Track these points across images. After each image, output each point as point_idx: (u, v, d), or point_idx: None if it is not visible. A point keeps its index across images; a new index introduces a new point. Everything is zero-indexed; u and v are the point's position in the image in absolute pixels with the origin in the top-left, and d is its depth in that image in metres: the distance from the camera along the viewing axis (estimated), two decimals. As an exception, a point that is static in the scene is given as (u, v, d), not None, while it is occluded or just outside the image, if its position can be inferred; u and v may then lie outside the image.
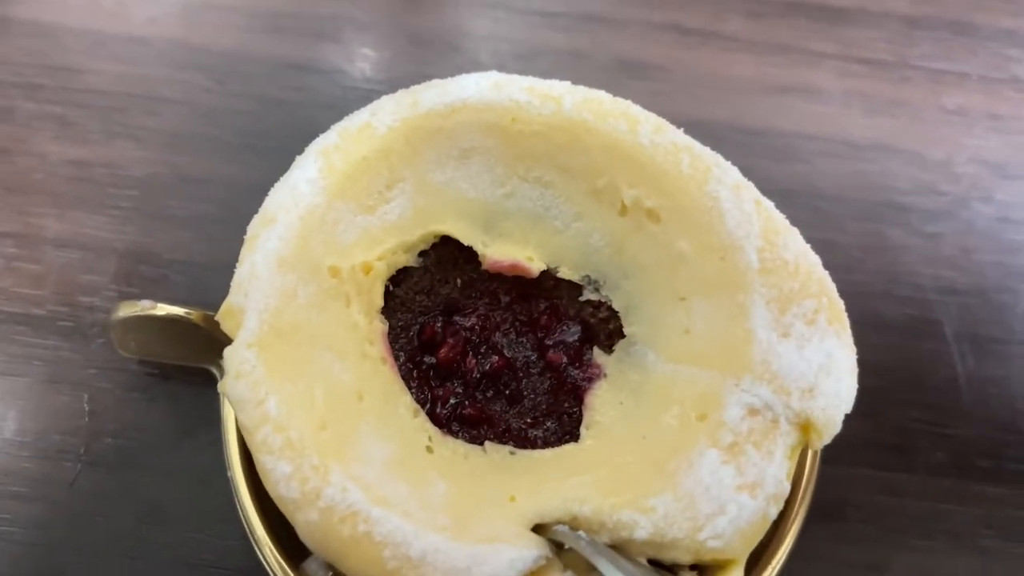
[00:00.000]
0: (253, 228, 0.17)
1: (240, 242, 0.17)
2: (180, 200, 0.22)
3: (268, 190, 0.17)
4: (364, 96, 0.21)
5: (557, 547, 0.15)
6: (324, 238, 0.17)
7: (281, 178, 0.18)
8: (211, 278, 0.20)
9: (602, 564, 0.14)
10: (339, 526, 0.15)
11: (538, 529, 0.15)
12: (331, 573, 0.18)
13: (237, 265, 0.17)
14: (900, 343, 0.21)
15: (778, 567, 0.17)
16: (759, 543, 0.16)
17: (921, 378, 0.21)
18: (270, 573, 0.18)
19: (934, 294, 0.22)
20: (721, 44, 0.25)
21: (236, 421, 0.18)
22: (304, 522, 0.15)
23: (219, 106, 0.23)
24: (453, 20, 0.25)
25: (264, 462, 0.15)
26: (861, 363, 0.16)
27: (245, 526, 0.18)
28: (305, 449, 0.15)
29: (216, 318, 0.16)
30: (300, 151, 0.18)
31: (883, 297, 0.20)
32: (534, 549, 0.15)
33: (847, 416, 0.17)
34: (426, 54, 0.22)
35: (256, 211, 0.17)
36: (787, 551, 0.17)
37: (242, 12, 0.24)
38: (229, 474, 0.18)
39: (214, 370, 0.19)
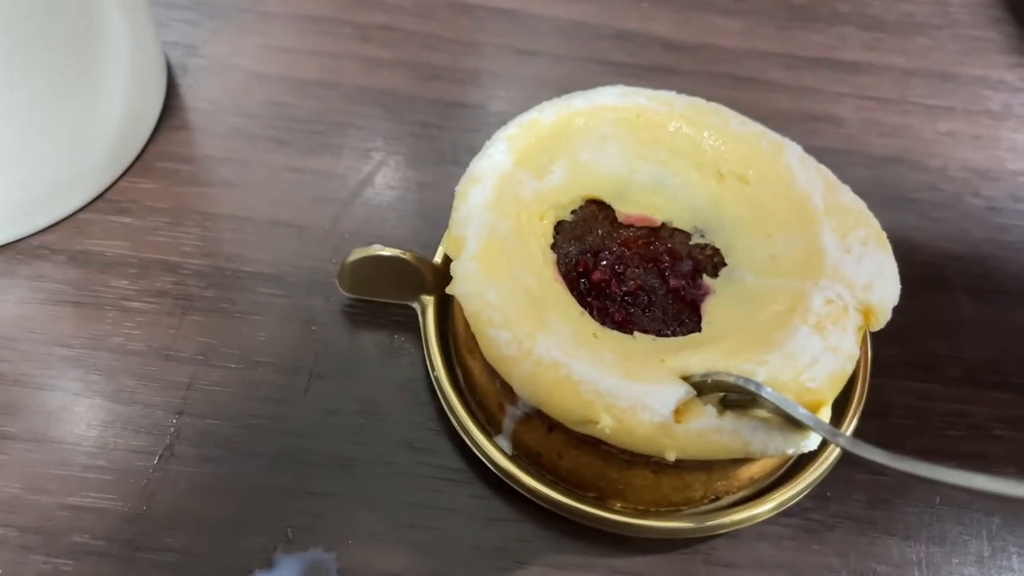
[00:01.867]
0: (462, 186, 0.24)
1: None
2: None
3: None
4: (501, 121, 0.28)
5: (698, 390, 0.21)
6: (512, 193, 0.24)
7: (478, 154, 0.25)
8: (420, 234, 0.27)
9: (746, 384, 0.20)
10: (546, 372, 0.21)
11: (684, 379, 0.21)
12: (512, 446, 0.24)
13: (453, 211, 0.23)
14: (919, 294, 0.28)
15: (855, 417, 0.24)
16: (840, 394, 0.22)
17: (938, 317, 0.28)
18: (468, 443, 0.24)
19: (942, 259, 0.29)
20: (766, 87, 0.32)
21: (438, 326, 0.25)
22: (520, 373, 0.21)
23: (396, 133, 0.30)
24: (559, 71, 0.33)
25: (488, 333, 0.21)
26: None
27: (448, 411, 0.24)
28: (519, 322, 0.21)
29: (442, 245, 0.23)
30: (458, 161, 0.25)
31: (903, 262, 0.26)
32: (683, 388, 0.21)
33: (889, 335, 0.23)
34: (541, 93, 0.29)
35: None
36: (860, 405, 0.24)
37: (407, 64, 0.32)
38: (433, 374, 0.24)
39: (415, 305, 0.26)
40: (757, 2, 0.35)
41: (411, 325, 0.26)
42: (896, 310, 0.23)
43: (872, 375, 0.25)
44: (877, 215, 0.24)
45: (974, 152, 0.31)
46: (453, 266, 0.23)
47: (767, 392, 0.20)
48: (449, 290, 0.22)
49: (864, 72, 0.33)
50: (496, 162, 0.24)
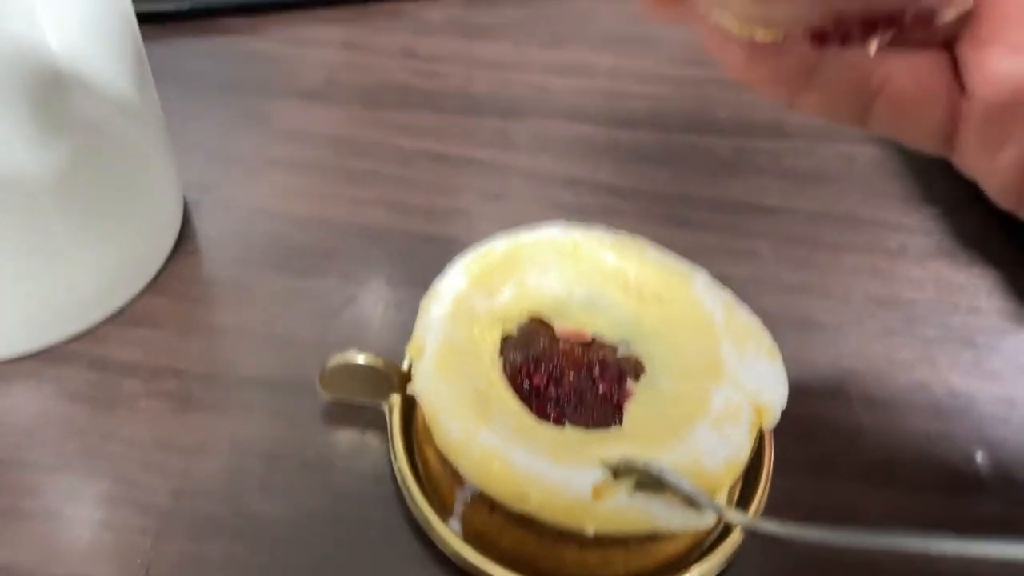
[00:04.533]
0: (425, 302, 0.29)
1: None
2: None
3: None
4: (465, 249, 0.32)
5: (614, 474, 0.25)
6: (467, 309, 0.29)
7: (437, 278, 0.30)
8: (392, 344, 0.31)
9: (652, 468, 0.24)
10: (488, 458, 0.25)
11: (604, 465, 0.25)
12: (461, 528, 0.27)
13: (416, 323, 0.28)
14: (820, 402, 0.32)
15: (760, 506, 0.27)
16: (746, 488, 0.26)
17: (836, 422, 0.32)
18: (423, 526, 0.27)
19: (842, 373, 0.33)
20: (695, 226, 0.38)
21: (403, 422, 0.29)
22: (466, 459, 0.25)
23: (376, 259, 0.36)
24: (518, 210, 0.38)
25: (440, 424, 0.26)
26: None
27: (407, 497, 0.28)
28: (466, 415, 0.26)
29: (407, 349, 0.28)
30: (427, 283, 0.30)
31: (808, 375, 0.30)
32: (601, 471, 0.25)
33: (792, 437, 0.28)
34: (501, 229, 0.34)
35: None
36: (763, 496, 0.28)
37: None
38: (396, 464, 0.28)
39: (384, 405, 0.30)
40: (689, 155, 0.41)
41: (380, 423, 0.30)
42: (799, 415, 0.27)
43: (775, 472, 0.29)
44: (787, 335, 0.29)
45: (873, 283, 0.36)
46: (413, 368, 0.27)
47: (669, 474, 0.24)
48: (409, 389, 0.27)
49: (780, 215, 0.39)
50: (454, 283, 0.29)
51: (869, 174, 0.41)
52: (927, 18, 0.17)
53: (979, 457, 0.31)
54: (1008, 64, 0.21)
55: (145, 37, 0.31)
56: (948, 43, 0.22)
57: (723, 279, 0.31)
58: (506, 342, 0.30)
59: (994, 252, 0.38)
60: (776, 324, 0.33)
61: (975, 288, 0.37)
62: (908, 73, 0.22)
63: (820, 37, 0.17)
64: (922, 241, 0.38)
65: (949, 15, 0.18)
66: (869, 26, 0.17)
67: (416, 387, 0.27)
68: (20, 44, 0.25)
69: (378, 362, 0.30)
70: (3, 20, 0.24)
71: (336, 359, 0.30)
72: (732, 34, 0.19)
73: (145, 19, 0.32)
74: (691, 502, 0.25)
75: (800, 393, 0.29)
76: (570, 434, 0.27)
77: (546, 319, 0.30)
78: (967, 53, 0.21)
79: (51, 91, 0.27)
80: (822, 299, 0.36)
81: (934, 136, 0.23)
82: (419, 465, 0.29)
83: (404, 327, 0.33)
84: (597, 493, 0.25)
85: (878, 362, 0.34)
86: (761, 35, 0.19)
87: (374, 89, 0.43)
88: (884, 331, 0.35)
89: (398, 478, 0.28)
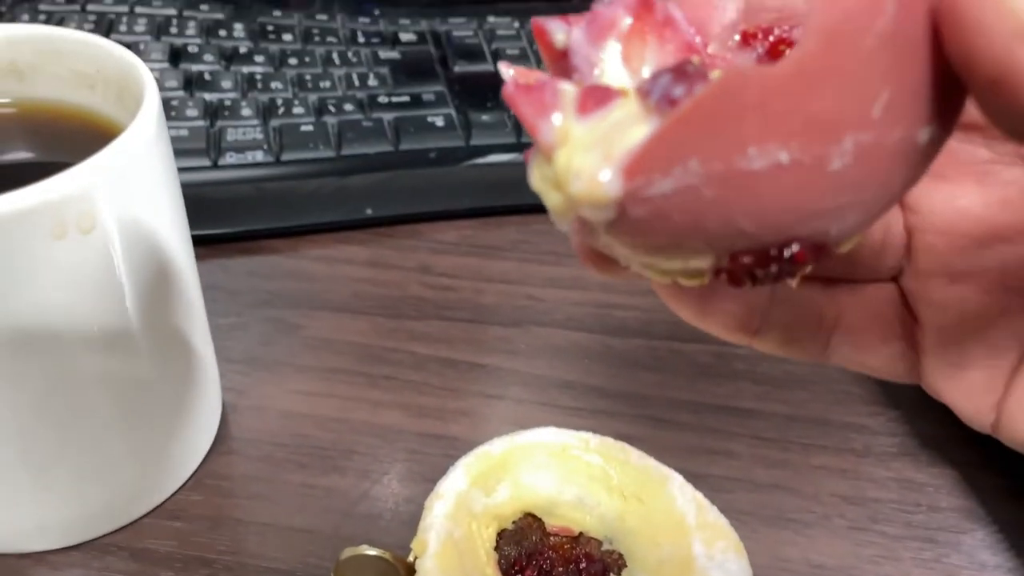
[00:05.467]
0: (429, 501, 0.33)
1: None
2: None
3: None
4: (470, 448, 0.37)
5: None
6: (466, 507, 0.33)
7: (441, 479, 0.34)
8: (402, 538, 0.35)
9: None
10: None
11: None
12: None
13: (421, 520, 0.32)
14: None
15: None
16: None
17: None
18: None
19: (810, 568, 0.36)
20: (677, 427, 0.42)
21: None
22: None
23: (390, 458, 0.40)
24: (517, 412, 0.42)
25: (440, 614, 0.29)
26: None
27: None
28: (463, 605, 0.29)
29: (412, 545, 0.31)
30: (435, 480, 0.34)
31: (779, 568, 0.34)
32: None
33: None
34: (502, 428, 0.38)
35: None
36: None
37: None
38: (401, 650, 0.31)
39: (391, 594, 0.33)
40: (673, 361, 0.46)
41: (388, 612, 0.33)
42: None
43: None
44: (760, 531, 0.32)
45: (841, 483, 0.40)
46: (417, 563, 0.31)
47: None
48: (411, 578, 0.30)
49: (755, 417, 0.43)
50: (455, 482, 0.33)
51: (837, 379, 0.45)
52: (818, 249, 0.16)
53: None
54: (950, 293, 0.21)
55: (197, 257, 0.37)
56: (895, 275, 0.22)
57: (702, 477, 0.35)
58: (501, 537, 0.33)
59: (953, 453, 0.42)
60: (750, 520, 0.36)
61: (936, 487, 0.40)
62: (860, 308, 0.22)
63: (730, 277, 0.17)
64: (886, 442, 0.42)
65: (844, 246, 0.17)
66: (761, 263, 0.16)
67: (421, 580, 0.30)
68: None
69: (387, 555, 0.33)
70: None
71: (348, 552, 0.33)
72: (658, 282, 0.20)
73: (198, 241, 0.38)
74: None
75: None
76: (557, 624, 0.30)
77: (538, 515, 0.34)
78: (911, 285, 0.22)
79: (125, 318, 0.32)
80: (793, 497, 0.39)
81: (896, 366, 0.23)
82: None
83: (413, 521, 0.36)
84: None
85: (846, 558, 0.37)
86: (684, 281, 0.18)
87: (394, 301, 0.49)
88: (851, 528, 0.38)
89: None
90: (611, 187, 0.14)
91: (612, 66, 0.17)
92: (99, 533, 0.36)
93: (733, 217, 0.15)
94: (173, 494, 0.38)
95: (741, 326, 0.23)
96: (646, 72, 0.17)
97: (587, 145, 0.15)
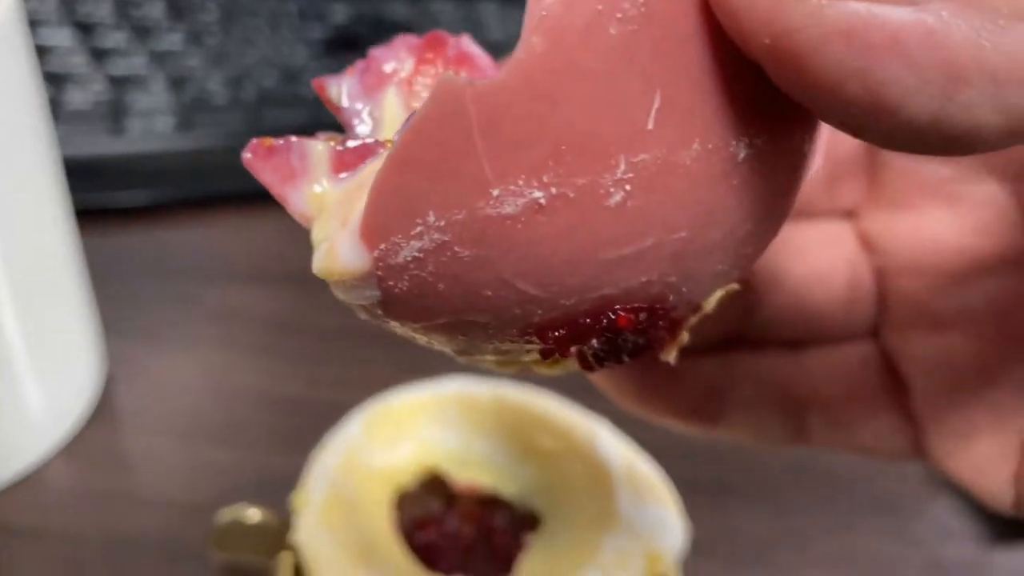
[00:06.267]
0: (315, 453, 0.29)
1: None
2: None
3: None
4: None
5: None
6: (361, 461, 0.29)
7: (333, 428, 0.30)
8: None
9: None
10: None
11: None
12: None
13: (304, 473, 0.28)
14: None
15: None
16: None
17: None
18: None
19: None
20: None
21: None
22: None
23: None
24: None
25: (318, 574, 0.25)
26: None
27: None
28: (346, 567, 0.25)
29: (291, 498, 0.27)
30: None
31: None
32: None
33: None
34: None
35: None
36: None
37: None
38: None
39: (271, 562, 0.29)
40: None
41: None
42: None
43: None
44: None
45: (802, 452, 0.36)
46: (295, 518, 0.27)
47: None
48: (290, 537, 0.26)
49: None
50: (348, 435, 0.29)
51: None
52: (655, 311, 0.12)
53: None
54: (936, 345, 0.17)
55: (100, 229, 0.33)
56: (873, 332, 0.18)
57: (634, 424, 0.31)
58: (402, 496, 0.29)
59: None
60: (692, 487, 0.32)
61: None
62: (834, 376, 0.19)
63: (580, 359, 0.13)
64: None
65: (708, 301, 0.14)
66: (577, 336, 0.12)
67: (297, 539, 0.26)
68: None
69: (264, 513, 0.29)
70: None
71: (225, 513, 0.29)
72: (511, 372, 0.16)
73: (100, 212, 0.34)
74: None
75: None
76: (457, 586, 0.26)
77: (444, 474, 0.30)
78: (890, 340, 0.18)
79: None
80: (742, 467, 0.35)
81: (894, 443, 0.19)
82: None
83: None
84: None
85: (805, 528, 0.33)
86: (541, 370, 0.15)
87: (300, 273, 0.45)
88: (806, 497, 0.34)
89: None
90: (352, 259, 0.12)
91: (394, 115, 0.14)
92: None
93: (505, 279, 0.11)
94: (40, 467, 0.34)
95: (694, 412, 0.19)
96: None
97: (332, 212, 0.12)
